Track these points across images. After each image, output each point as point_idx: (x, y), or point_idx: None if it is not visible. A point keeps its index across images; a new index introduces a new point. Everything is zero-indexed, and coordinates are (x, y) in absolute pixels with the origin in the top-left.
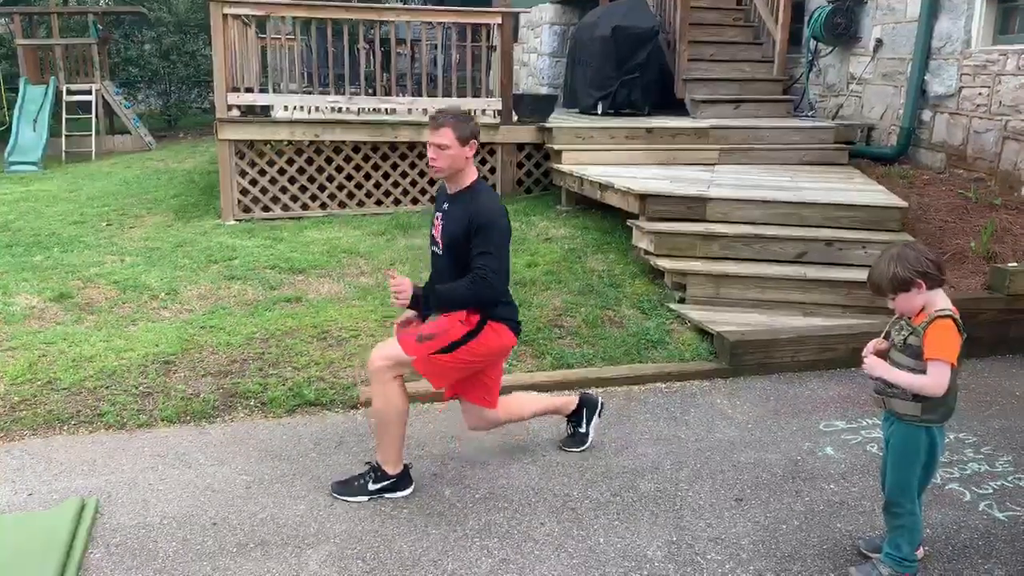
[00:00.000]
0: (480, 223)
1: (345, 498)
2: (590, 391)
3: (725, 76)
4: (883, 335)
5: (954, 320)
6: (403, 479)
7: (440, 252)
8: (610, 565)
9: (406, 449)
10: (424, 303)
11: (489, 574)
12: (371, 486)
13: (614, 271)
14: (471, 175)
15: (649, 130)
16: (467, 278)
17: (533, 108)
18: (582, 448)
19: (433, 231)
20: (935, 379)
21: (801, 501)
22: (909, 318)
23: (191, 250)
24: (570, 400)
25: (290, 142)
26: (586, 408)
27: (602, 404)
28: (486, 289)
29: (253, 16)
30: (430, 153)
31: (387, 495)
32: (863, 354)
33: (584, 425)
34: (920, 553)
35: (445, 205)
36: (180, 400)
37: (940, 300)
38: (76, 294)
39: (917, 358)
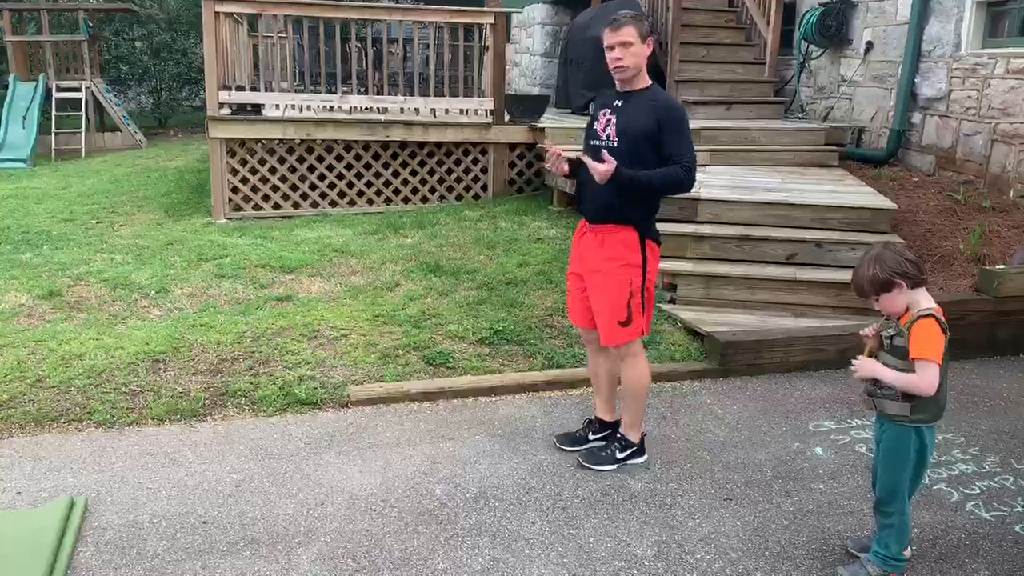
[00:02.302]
0: (673, 119)
1: (595, 467)
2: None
3: (716, 78)
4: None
5: (936, 319)
6: (642, 447)
7: (614, 146)
8: (600, 564)
9: (394, 447)
10: (617, 174)
11: (479, 573)
12: (618, 454)
13: None
14: (646, 76)
15: None
16: (669, 167)
17: (525, 108)
18: (571, 449)
19: (596, 127)
20: (925, 378)
21: (790, 501)
22: (896, 320)
23: (181, 248)
24: (613, 411)
25: (281, 140)
26: (636, 449)
27: (623, 462)
28: (689, 177)
29: (245, 14)
30: (615, 54)
31: (630, 461)
32: (852, 364)
33: (596, 437)
34: (908, 553)
35: (617, 102)
36: (170, 398)
37: (923, 299)
38: (65, 292)
39: (904, 358)
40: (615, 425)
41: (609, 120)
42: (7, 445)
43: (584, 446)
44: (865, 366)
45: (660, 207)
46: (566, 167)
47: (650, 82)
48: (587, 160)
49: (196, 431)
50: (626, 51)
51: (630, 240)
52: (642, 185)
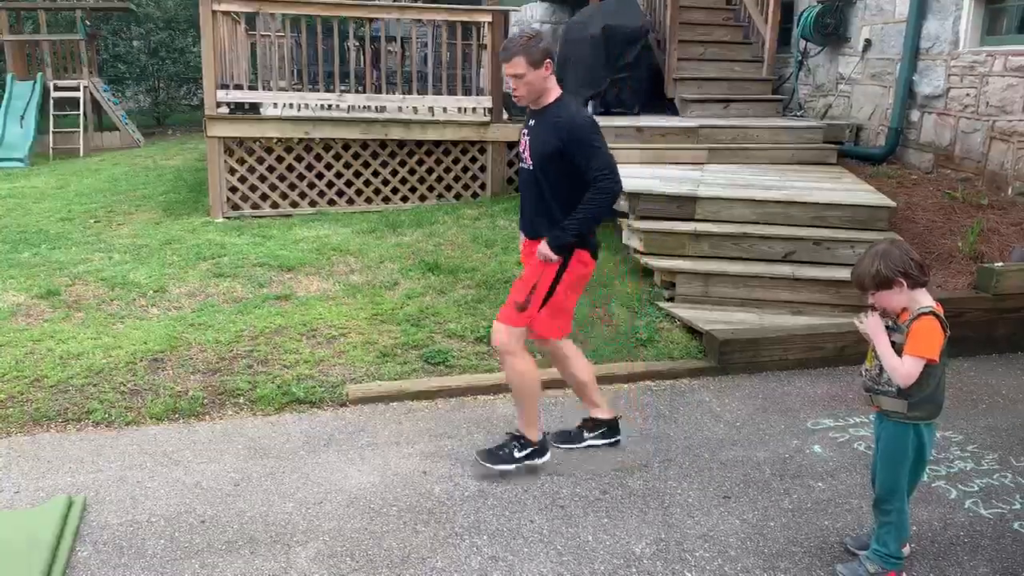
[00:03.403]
0: (576, 135)
1: (493, 466)
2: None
3: (715, 76)
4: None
5: (937, 317)
6: (544, 447)
7: (529, 167)
8: (599, 562)
9: (393, 446)
10: (563, 246)
11: (478, 571)
12: (516, 453)
13: (604, 269)
14: (553, 92)
15: (639, 129)
16: (589, 191)
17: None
18: (568, 447)
19: (520, 148)
20: (906, 367)
21: (789, 499)
22: (895, 317)
23: (179, 247)
24: (604, 408)
25: (279, 139)
26: (608, 427)
27: (619, 440)
28: (609, 188)
29: (243, 12)
30: (511, 84)
31: (530, 461)
32: (860, 316)
33: (591, 437)
34: (906, 550)
35: (531, 122)
36: (168, 398)
37: (923, 298)
38: (63, 291)
39: (900, 356)
40: (611, 422)
41: (525, 141)
42: (5, 444)
43: (580, 444)
44: (872, 324)
45: (654, 206)
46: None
47: (556, 96)
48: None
49: (194, 430)
50: (520, 82)
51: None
52: (581, 229)
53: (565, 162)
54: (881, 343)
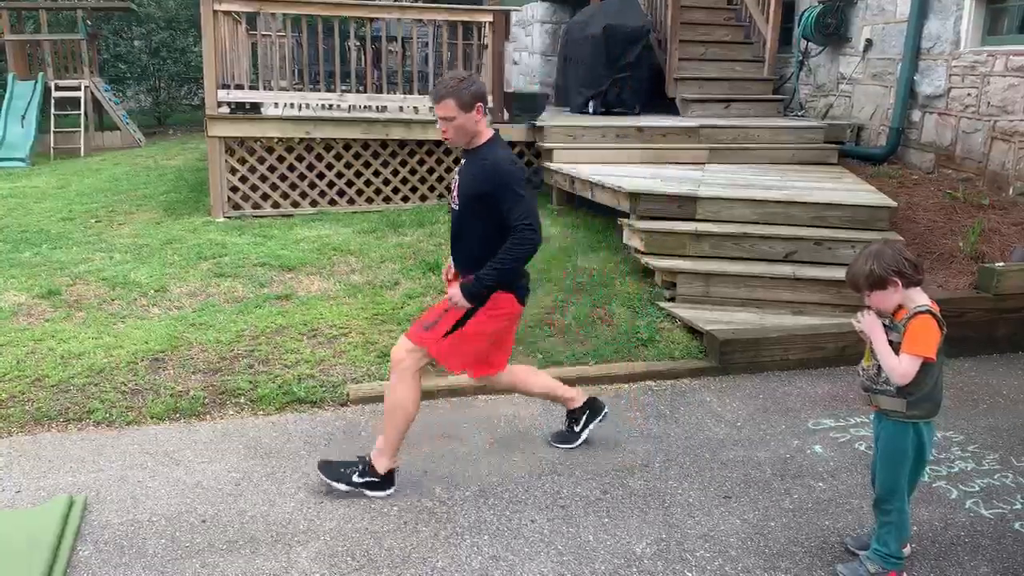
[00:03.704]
0: (499, 182)
1: (327, 479)
2: (604, 402)
3: (715, 75)
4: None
5: (934, 316)
6: (387, 480)
7: (457, 208)
8: (599, 562)
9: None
10: (475, 296)
11: (479, 571)
12: (355, 478)
13: (605, 269)
14: (484, 135)
15: (640, 129)
16: (508, 241)
17: (524, 106)
18: (569, 446)
19: (453, 187)
20: (903, 365)
21: (790, 499)
22: (892, 316)
23: (180, 247)
24: (577, 395)
25: (280, 139)
26: (590, 410)
27: (606, 413)
28: (529, 238)
29: (244, 12)
30: (440, 126)
31: (367, 491)
32: (858, 315)
33: (581, 426)
34: (907, 550)
35: (462, 162)
36: (169, 397)
37: (919, 297)
38: (64, 291)
39: (897, 355)
40: (588, 404)
41: (455, 181)
42: (6, 444)
43: (577, 441)
44: (870, 322)
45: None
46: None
47: (487, 138)
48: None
49: (195, 430)
50: (449, 124)
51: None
52: (498, 280)
53: (489, 206)
54: (878, 341)
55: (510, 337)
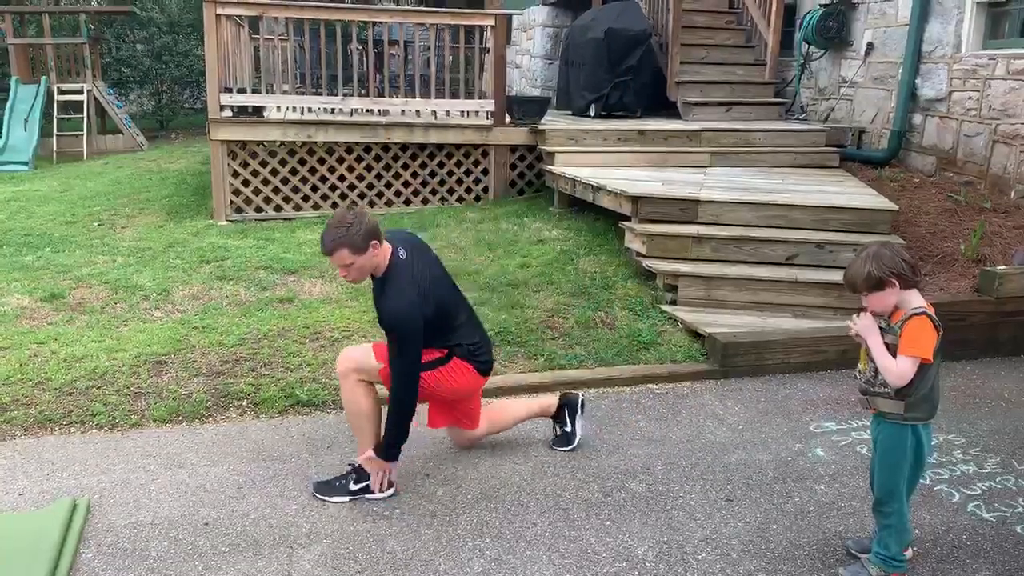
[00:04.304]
0: (388, 326)
1: (325, 498)
2: (576, 391)
3: (717, 79)
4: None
5: (930, 317)
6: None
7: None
8: (601, 565)
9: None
10: (386, 450)
11: (481, 574)
12: (352, 486)
13: (606, 273)
14: (383, 264)
15: (641, 132)
16: (393, 399)
17: (526, 110)
18: (570, 447)
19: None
20: (900, 367)
21: (791, 502)
22: (888, 318)
23: (183, 250)
24: (551, 402)
25: (282, 143)
26: (567, 407)
27: (583, 401)
28: (399, 396)
29: (246, 16)
30: (341, 273)
31: (367, 496)
32: (853, 317)
33: (569, 424)
34: (909, 553)
35: (373, 286)
36: (172, 400)
37: (915, 299)
38: (67, 294)
39: (893, 356)
40: (562, 402)
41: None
42: (10, 447)
43: (574, 441)
44: (865, 324)
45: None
46: None
47: (387, 264)
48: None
49: (198, 433)
50: (349, 269)
51: (439, 348)
52: (401, 433)
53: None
54: (874, 343)
55: (474, 399)
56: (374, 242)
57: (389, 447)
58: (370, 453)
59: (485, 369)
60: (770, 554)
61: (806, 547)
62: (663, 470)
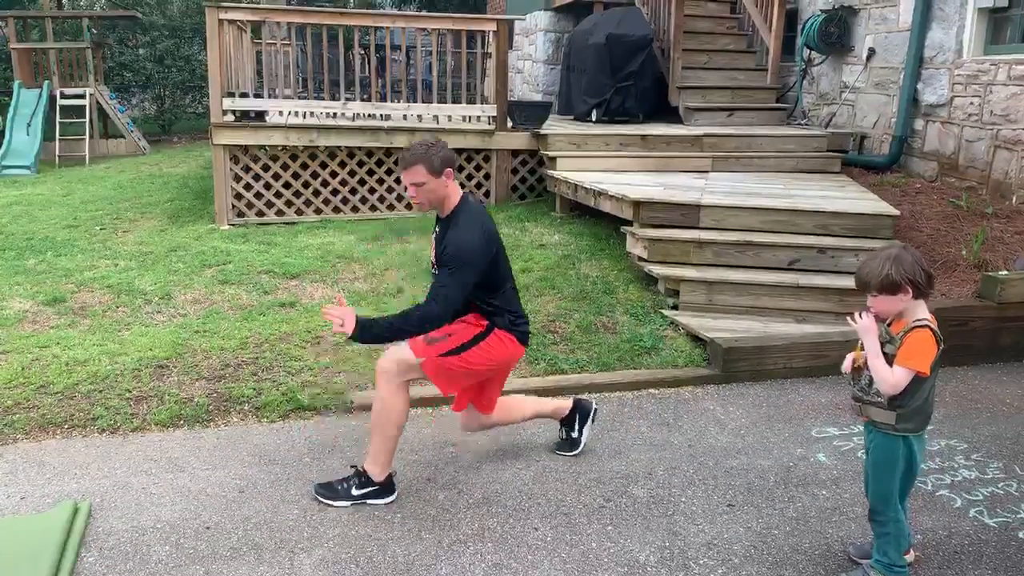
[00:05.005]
0: (448, 254)
1: (327, 501)
2: (590, 400)
3: (719, 84)
4: (859, 346)
5: (932, 331)
6: (387, 487)
7: (435, 273)
8: (603, 570)
9: (399, 453)
10: (365, 329)
11: None
12: (354, 491)
13: (608, 277)
14: (454, 199)
15: (643, 137)
16: (410, 310)
17: (528, 115)
18: (574, 453)
19: (431, 252)
20: (896, 376)
21: (793, 507)
22: (888, 324)
23: (185, 254)
24: (564, 405)
25: (285, 147)
26: (579, 413)
27: (595, 410)
28: (430, 315)
29: (248, 22)
30: (409, 192)
31: (369, 501)
32: (856, 314)
33: (577, 430)
34: (910, 557)
35: (437, 228)
36: (173, 404)
37: (920, 310)
38: (69, 298)
39: (890, 365)
40: (574, 408)
41: (432, 247)
42: (11, 451)
43: (579, 446)
44: (868, 324)
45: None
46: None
47: (456, 204)
48: (328, 315)
49: (199, 437)
50: (419, 190)
51: (480, 318)
52: (387, 336)
53: None
54: (871, 345)
55: (504, 376)
56: (449, 171)
57: (370, 331)
58: (352, 317)
59: (524, 339)
60: (772, 559)
61: (808, 552)
62: (665, 475)
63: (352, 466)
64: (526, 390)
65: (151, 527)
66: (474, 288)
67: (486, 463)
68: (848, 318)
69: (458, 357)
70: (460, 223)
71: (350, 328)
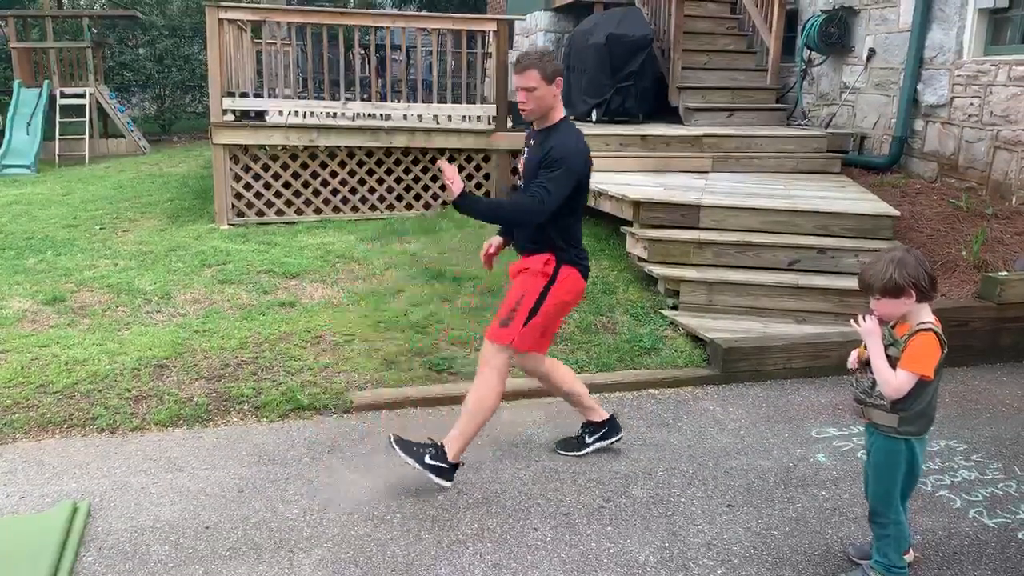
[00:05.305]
0: (553, 157)
1: (400, 453)
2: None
3: (719, 84)
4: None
5: (937, 334)
6: (452, 470)
7: (523, 186)
8: (603, 570)
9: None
10: (466, 197)
11: None
12: (427, 459)
13: (608, 278)
14: (559, 112)
15: (643, 137)
16: (518, 196)
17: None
18: (574, 454)
19: (518, 164)
20: (899, 380)
21: (793, 507)
22: (892, 327)
23: (185, 254)
24: (600, 411)
25: (285, 147)
26: (608, 428)
27: (620, 438)
28: (530, 207)
29: (248, 21)
30: (520, 97)
31: (432, 476)
32: (859, 317)
33: (593, 440)
34: (909, 557)
35: (531, 141)
36: (173, 404)
37: (925, 314)
38: (69, 297)
39: (894, 370)
40: (608, 421)
41: (522, 160)
42: (11, 450)
43: (583, 451)
44: (871, 327)
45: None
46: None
47: (560, 117)
48: (443, 168)
49: (199, 436)
50: (530, 95)
51: (547, 258)
52: (482, 210)
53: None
54: (875, 349)
55: (560, 318)
56: (559, 80)
57: (470, 200)
58: (460, 183)
59: (587, 273)
60: (771, 560)
61: (807, 553)
62: (664, 475)
63: (430, 438)
64: (527, 390)
65: (150, 527)
66: (557, 213)
67: (485, 463)
68: (851, 321)
69: (538, 316)
70: (564, 131)
71: (457, 189)
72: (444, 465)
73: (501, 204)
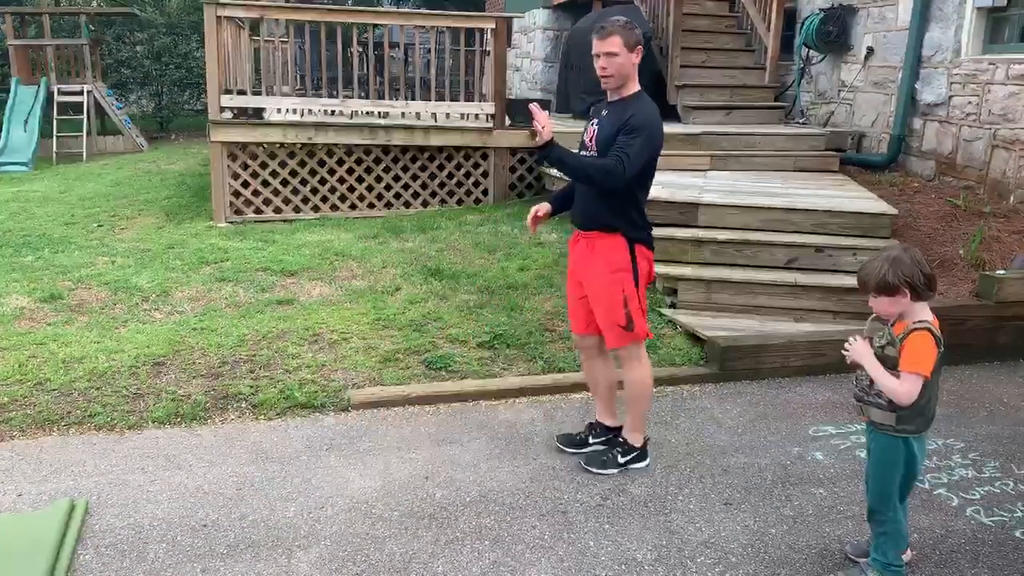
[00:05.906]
0: (633, 124)
1: (598, 470)
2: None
3: (717, 83)
4: (864, 337)
5: (932, 333)
6: (644, 452)
7: (593, 154)
8: (600, 568)
9: (395, 451)
10: (555, 147)
11: None
12: (620, 459)
13: None
14: (635, 83)
15: None
16: (603, 158)
17: (526, 113)
18: (574, 452)
19: (585, 137)
20: (905, 387)
21: (790, 505)
22: (890, 325)
23: (182, 252)
24: (616, 417)
25: (283, 144)
26: (636, 455)
27: (638, 467)
28: (614, 169)
29: (246, 18)
30: (600, 63)
31: (631, 466)
32: (849, 341)
33: (596, 441)
34: (907, 556)
35: (604, 111)
36: (170, 401)
37: (921, 311)
38: (66, 295)
39: (893, 368)
40: (617, 430)
41: (594, 129)
42: (8, 447)
43: (584, 449)
44: (860, 349)
45: (656, 213)
46: (548, 135)
47: (637, 89)
48: (535, 112)
49: (197, 434)
50: (611, 61)
51: (618, 245)
52: (570, 163)
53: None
54: (872, 369)
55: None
56: (639, 50)
57: (557, 151)
58: (551, 131)
59: (652, 246)
60: (768, 558)
61: (805, 551)
62: (662, 473)
63: (608, 438)
64: (525, 387)
65: (148, 525)
66: (632, 185)
67: (483, 461)
68: (842, 350)
69: (639, 301)
70: (644, 101)
71: (547, 136)
72: (635, 452)
73: (590, 164)
